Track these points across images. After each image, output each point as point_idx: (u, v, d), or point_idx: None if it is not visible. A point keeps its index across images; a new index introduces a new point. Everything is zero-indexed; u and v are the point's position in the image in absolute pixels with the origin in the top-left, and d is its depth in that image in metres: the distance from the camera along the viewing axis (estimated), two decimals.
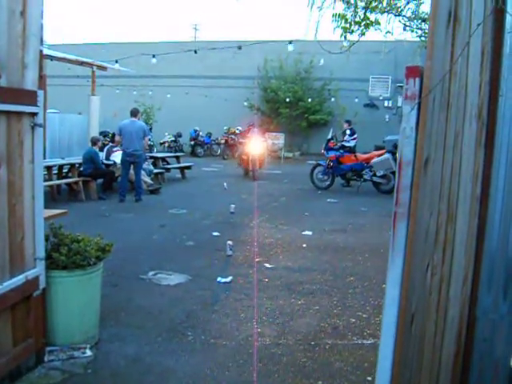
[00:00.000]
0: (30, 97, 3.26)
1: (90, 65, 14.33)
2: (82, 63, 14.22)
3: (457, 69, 1.77)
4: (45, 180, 10.49)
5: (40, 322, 3.48)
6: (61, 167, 11.66)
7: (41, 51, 3.44)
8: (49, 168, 10.80)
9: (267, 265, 6.11)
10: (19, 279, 3.19)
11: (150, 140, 10.66)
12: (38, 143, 3.37)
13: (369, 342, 4.04)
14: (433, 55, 1.62)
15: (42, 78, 3.45)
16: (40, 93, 3.36)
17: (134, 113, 11.07)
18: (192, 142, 24.56)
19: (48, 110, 13.73)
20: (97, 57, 16.46)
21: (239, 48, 14.21)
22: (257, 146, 15.31)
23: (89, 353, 3.65)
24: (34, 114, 3.31)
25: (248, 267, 5.99)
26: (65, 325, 3.68)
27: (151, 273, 5.65)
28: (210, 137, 25.18)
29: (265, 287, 5.32)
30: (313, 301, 4.93)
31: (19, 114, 3.18)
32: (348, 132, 14.11)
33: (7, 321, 3.16)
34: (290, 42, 13.43)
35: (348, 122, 14.52)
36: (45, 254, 3.50)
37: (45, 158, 12.21)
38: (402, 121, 1.62)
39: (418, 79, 1.58)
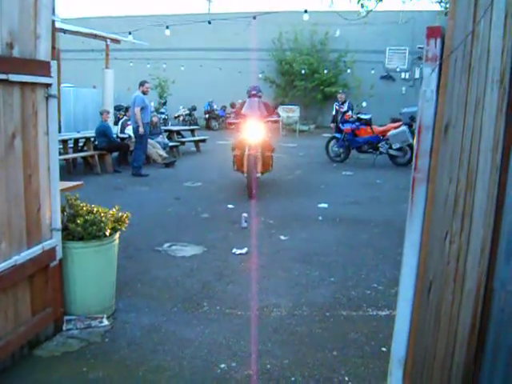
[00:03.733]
0: (43, 67, 3.24)
1: (104, 38, 14.26)
2: (95, 36, 14.16)
3: (479, 31, 1.70)
4: (60, 154, 10.57)
5: (58, 292, 3.53)
6: (76, 141, 11.72)
7: (53, 22, 3.42)
8: (64, 142, 10.87)
9: (282, 237, 6.11)
10: (36, 250, 3.22)
11: (142, 109, 10.18)
12: (52, 114, 3.37)
13: (384, 313, 4.04)
14: (455, 15, 1.56)
15: (54, 49, 3.42)
16: (53, 63, 3.33)
17: (139, 84, 10.99)
18: (206, 116, 24.46)
19: (63, 85, 13.76)
20: (110, 30, 16.36)
21: (254, 18, 13.98)
22: (257, 130, 8.54)
23: (106, 322, 3.70)
24: (47, 85, 3.30)
25: (263, 239, 5.99)
26: (82, 295, 3.72)
27: (167, 244, 5.69)
28: (224, 110, 25.04)
29: (280, 259, 5.33)
30: (328, 272, 4.93)
31: (33, 84, 3.17)
32: (346, 105, 14.07)
33: (25, 290, 3.21)
34: (306, 12, 13.19)
35: (344, 92, 14.45)
36: (61, 226, 3.53)
37: (60, 132, 12.30)
38: (422, 84, 1.57)
39: (439, 40, 1.52)
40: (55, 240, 3.45)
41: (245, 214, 6.53)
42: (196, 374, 3.11)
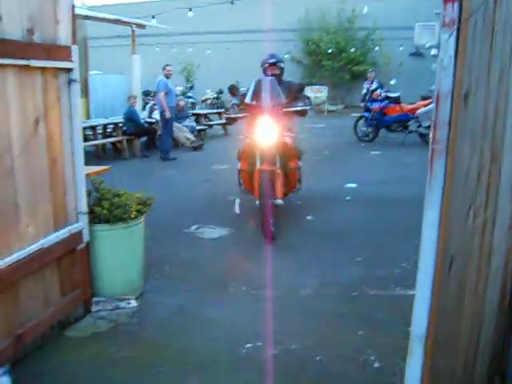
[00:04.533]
0: (64, 52, 3.26)
1: (129, 23, 14.30)
2: (120, 22, 14.22)
3: None
4: (90, 139, 10.74)
5: (86, 274, 3.60)
6: (105, 127, 11.86)
7: (73, 6, 3.41)
8: (93, 128, 11.02)
9: (309, 217, 6.07)
10: (63, 233, 3.28)
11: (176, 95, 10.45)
12: (74, 99, 3.39)
13: (411, 292, 3.94)
14: None
15: (74, 34, 3.43)
16: (74, 48, 3.35)
17: (162, 68, 10.97)
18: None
19: (90, 72, 13.89)
20: (135, 15, 16.37)
21: None
22: (273, 130, 5.37)
23: (134, 303, 3.76)
24: (69, 70, 3.32)
25: (290, 220, 5.96)
26: (109, 277, 3.78)
27: (194, 227, 5.72)
28: None
29: (306, 239, 5.29)
30: (355, 252, 4.87)
31: (54, 69, 3.19)
32: (375, 82, 13.98)
33: (54, 272, 3.28)
34: None
35: (374, 71, 14.40)
36: (87, 209, 3.57)
37: (89, 118, 12.45)
38: (439, 50, 1.50)
39: (456, 3, 1.45)
40: (82, 223, 3.50)
41: (238, 200, 6.35)
42: (222, 354, 3.13)
